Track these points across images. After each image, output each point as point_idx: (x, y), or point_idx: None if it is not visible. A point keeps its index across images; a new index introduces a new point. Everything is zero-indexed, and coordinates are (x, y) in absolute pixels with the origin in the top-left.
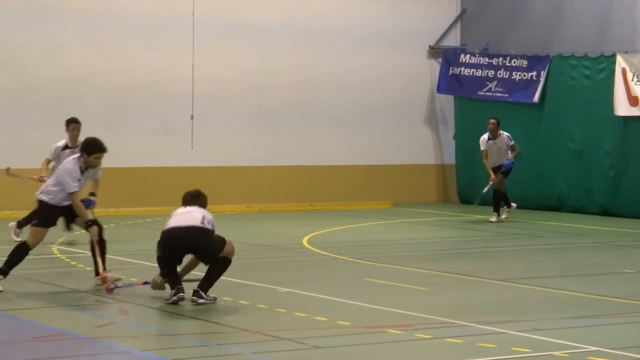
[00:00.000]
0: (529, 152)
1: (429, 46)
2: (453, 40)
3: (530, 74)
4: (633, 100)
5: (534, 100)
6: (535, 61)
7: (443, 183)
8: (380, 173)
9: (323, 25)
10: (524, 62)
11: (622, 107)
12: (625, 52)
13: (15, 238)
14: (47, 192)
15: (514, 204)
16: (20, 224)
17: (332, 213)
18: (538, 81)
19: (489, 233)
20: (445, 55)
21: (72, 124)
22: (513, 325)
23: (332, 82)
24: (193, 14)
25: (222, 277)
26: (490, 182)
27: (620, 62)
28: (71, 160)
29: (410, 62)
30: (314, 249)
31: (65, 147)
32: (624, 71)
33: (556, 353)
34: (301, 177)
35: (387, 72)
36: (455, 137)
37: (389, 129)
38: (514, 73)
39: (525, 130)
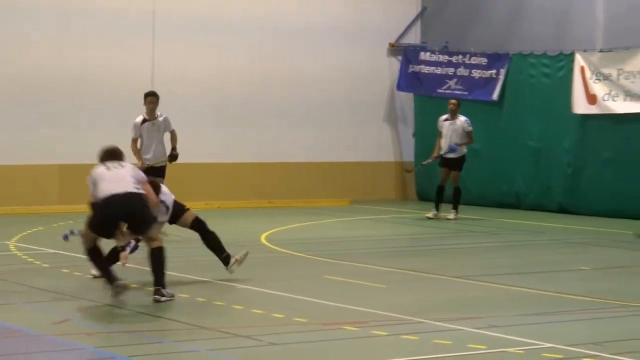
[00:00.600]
0: (487, 150)
1: (389, 44)
2: (413, 37)
3: (489, 71)
4: (591, 99)
5: (493, 98)
6: (495, 59)
7: (402, 180)
8: (339, 170)
9: (283, 22)
10: (484, 60)
11: (581, 105)
12: (584, 51)
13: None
14: None
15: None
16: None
17: (290, 210)
18: (497, 79)
19: (447, 230)
20: (405, 53)
21: (149, 97)
22: (469, 322)
23: (292, 79)
24: (154, 11)
25: (178, 274)
26: (430, 160)
27: (579, 60)
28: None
29: (370, 59)
30: (272, 246)
31: (144, 120)
32: (582, 69)
33: (511, 350)
34: (260, 174)
35: (347, 69)
36: (415, 134)
37: (348, 126)
38: (473, 71)
39: (484, 128)
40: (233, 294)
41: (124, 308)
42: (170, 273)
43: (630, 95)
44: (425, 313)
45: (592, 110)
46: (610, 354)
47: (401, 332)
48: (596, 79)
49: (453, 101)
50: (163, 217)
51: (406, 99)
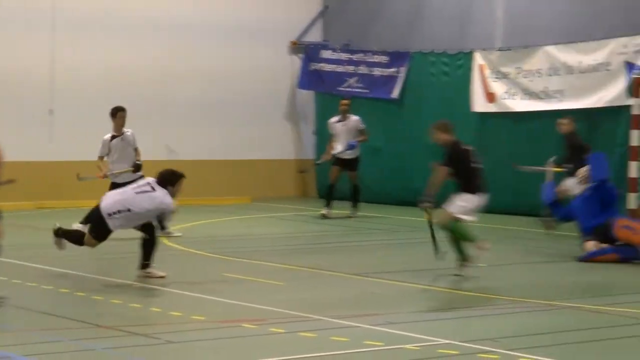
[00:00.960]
0: (388, 148)
1: (291, 42)
2: (315, 36)
3: (390, 70)
4: (490, 97)
5: (393, 96)
6: (395, 57)
7: (302, 178)
8: (240, 168)
9: (184, 19)
10: (385, 58)
11: (480, 104)
12: (484, 50)
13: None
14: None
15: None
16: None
17: (191, 208)
18: (398, 77)
19: (347, 228)
20: (307, 51)
21: (120, 112)
22: (366, 319)
23: (193, 76)
24: (54, 6)
25: (74, 272)
26: (323, 159)
27: (478, 58)
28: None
29: (272, 57)
30: (171, 244)
31: (112, 137)
32: (481, 68)
33: (408, 346)
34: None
35: (248, 67)
36: (316, 132)
37: (249, 124)
38: (374, 69)
39: (384, 126)
40: (131, 293)
41: (18, 306)
42: (68, 272)
43: (529, 93)
44: (323, 310)
45: (491, 108)
46: (505, 350)
47: (299, 329)
48: (495, 78)
49: (344, 102)
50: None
51: (307, 97)
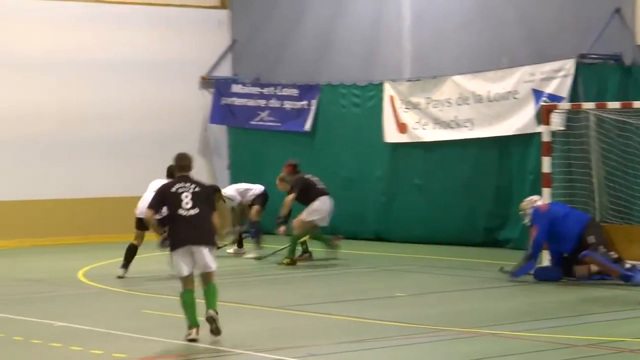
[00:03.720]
0: None
1: (201, 77)
2: (225, 70)
3: (301, 102)
4: (401, 127)
5: (305, 129)
6: (306, 90)
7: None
8: None
9: (92, 57)
10: (295, 92)
11: (391, 134)
12: (393, 80)
13: None
14: None
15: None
16: None
17: (107, 245)
18: (309, 110)
19: (265, 262)
20: (217, 86)
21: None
22: (289, 351)
23: (104, 113)
24: None
25: None
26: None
27: (389, 90)
28: None
29: (183, 93)
30: (89, 282)
31: None
32: (392, 99)
33: None
34: (74, 209)
35: (160, 103)
36: (230, 166)
37: (162, 160)
38: (285, 102)
39: (297, 159)
40: (50, 332)
41: None
42: None
43: (439, 123)
44: (245, 344)
45: (403, 138)
46: None
47: None
48: (405, 108)
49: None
50: None
51: (220, 132)
